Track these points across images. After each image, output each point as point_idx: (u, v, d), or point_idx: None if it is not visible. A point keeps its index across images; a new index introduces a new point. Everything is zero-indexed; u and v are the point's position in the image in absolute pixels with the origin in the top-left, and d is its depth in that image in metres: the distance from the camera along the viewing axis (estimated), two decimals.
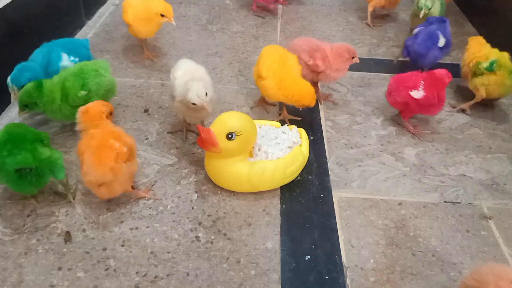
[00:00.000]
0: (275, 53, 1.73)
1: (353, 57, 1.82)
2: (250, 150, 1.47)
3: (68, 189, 1.42)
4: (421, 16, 2.21)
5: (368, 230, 1.38)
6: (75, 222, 1.35)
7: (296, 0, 2.89)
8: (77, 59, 1.75)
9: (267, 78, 1.67)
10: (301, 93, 1.66)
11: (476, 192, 1.54)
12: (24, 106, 1.52)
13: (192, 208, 1.42)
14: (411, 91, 1.69)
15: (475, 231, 1.40)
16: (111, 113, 1.46)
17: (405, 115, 1.78)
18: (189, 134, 1.71)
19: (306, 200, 1.46)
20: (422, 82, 1.70)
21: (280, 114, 1.83)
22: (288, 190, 1.50)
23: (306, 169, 1.55)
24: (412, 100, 1.69)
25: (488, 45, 1.97)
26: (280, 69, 1.68)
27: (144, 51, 2.16)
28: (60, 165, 1.34)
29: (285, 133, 1.54)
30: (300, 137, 1.54)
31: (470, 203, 1.49)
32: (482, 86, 1.84)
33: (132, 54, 2.20)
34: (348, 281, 1.23)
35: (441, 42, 2.03)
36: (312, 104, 1.68)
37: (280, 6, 2.80)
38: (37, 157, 1.28)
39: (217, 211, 1.41)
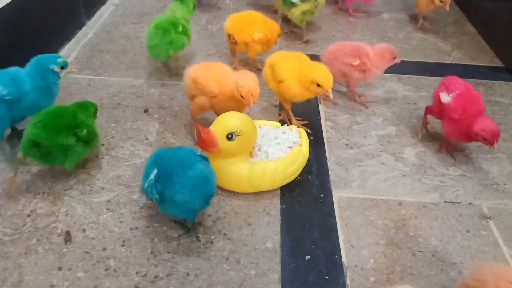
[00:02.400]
0: (286, 56, 1.70)
1: (394, 58, 1.85)
2: (250, 150, 1.47)
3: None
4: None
5: (368, 230, 1.38)
6: (75, 222, 1.35)
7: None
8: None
9: (287, 79, 1.63)
10: (320, 74, 1.58)
11: (476, 192, 1.54)
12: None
13: None
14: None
15: (475, 231, 1.40)
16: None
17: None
18: (189, 134, 1.71)
19: (306, 200, 1.46)
20: None
21: (280, 114, 1.83)
22: (288, 190, 1.50)
23: (306, 169, 1.55)
24: None
25: None
26: (296, 66, 1.64)
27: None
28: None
29: (285, 133, 1.54)
30: (300, 137, 1.54)
31: (470, 203, 1.49)
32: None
33: (132, 54, 2.20)
34: (348, 281, 1.23)
35: None
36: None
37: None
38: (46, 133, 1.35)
39: (217, 211, 1.41)
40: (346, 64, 1.84)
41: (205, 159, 1.27)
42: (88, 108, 1.50)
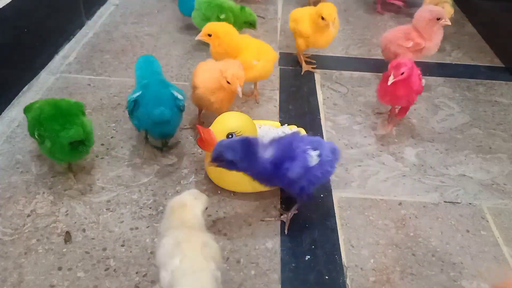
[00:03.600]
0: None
1: (438, 18, 1.89)
2: None
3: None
4: None
5: (368, 230, 1.38)
6: (75, 222, 1.35)
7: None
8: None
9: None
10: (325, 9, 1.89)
11: (476, 192, 1.54)
12: None
13: None
14: None
15: (475, 231, 1.40)
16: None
17: None
18: (189, 134, 1.71)
19: (306, 200, 1.46)
20: None
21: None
22: None
23: None
24: None
25: None
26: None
27: None
28: (92, 134, 1.44)
29: (285, 133, 1.54)
30: None
31: (470, 203, 1.49)
32: None
33: (132, 54, 2.20)
34: (348, 281, 1.23)
35: None
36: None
37: (280, 7, 2.80)
38: (85, 130, 1.39)
39: (217, 211, 1.41)
40: (399, 46, 1.95)
41: (178, 107, 1.51)
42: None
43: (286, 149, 1.23)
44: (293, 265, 1.27)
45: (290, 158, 1.22)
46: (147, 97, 1.48)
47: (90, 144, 1.42)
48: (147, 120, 1.47)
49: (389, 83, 1.58)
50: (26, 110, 1.50)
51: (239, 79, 1.52)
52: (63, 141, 1.34)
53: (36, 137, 1.40)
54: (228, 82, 1.52)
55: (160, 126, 1.49)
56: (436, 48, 1.99)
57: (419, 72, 1.68)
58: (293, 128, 1.57)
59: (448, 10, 2.25)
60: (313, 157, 1.25)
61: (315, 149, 1.26)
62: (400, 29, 2.01)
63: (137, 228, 1.34)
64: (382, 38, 2.06)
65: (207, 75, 1.59)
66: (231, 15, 2.14)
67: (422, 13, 1.94)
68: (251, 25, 2.21)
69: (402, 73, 1.57)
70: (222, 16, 2.11)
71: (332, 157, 1.29)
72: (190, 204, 1.12)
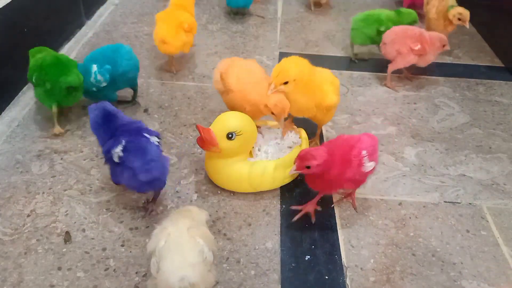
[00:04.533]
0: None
1: (443, 45, 1.99)
2: (250, 150, 1.47)
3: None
4: None
5: (368, 230, 1.38)
6: (75, 222, 1.35)
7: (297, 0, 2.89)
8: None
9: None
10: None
11: (476, 192, 1.54)
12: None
13: None
14: None
15: (475, 231, 1.40)
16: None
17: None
18: (189, 134, 1.71)
19: (306, 200, 1.46)
20: None
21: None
22: (288, 190, 1.50)
23: None
24: None
25: None
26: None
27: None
28: (83, 86, 1.67)
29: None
30: (300, 137, 1.54)
31: (470, 203, 1.49)
32: None
33: None
34: (348, 281, 1.23)
35: None
36: None
37: (280, 7, 2.80)
38: (80, 79, 1.62)
39: (217, 211, 1.41)
40: (405, 46, 1.97)
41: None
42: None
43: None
44: (293, 265, 1.26)
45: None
46: None
47: (81, 94, 1.68)
48: None
49: (290, 172, 1.30)
50: (31, 54, 1.69)
51: (284, 111, 1.38)
52: (62, 85, 1.58)
53: (33, 81, 1.62)
54: (272, 113, 1.39)
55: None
56: (430, 62, 2.02)
57: (362, 155, 1.29)
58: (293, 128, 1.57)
59: (464, 13, 2.17)
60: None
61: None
62: (412, 29, 2.01)
63: (136, 228, 1.34)
64: (389, 32, 2.04)
65: (246, 82, 1.45)
66: (391, 24, 2.10)
67: (434, 39, 1.97)
68: (415, 22, 2.19)
69: (308, 167, 1.24)
70: (382, 29, 2.09)
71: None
72: (195, 211, 1.14)
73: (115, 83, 1.72)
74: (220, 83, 1.53)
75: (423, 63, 2.02)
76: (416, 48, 1.95)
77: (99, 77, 1.66)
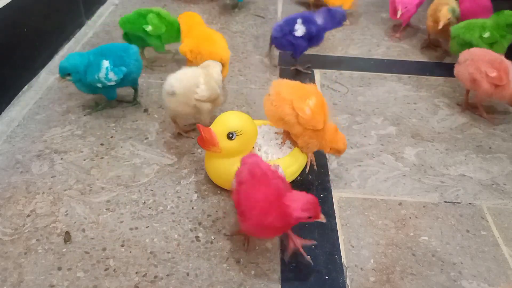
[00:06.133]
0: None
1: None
2: (251, 150, 1.47)
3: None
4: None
5: (368, 230, 1.38)
6: (75, 222, 1.35)
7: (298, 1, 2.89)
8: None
9: None
10: None
11: (476, 192, 1.54)
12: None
13: (192, 208, 1.42)
14: None
15: (475, 231, 1.40)
16: None
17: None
18: (189, 134, 1.71)
19: None
20: None
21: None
22: None
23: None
24: None
25: None
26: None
27: None
28: None
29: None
30: None
31: (470, 203, 1.49)
32: None
33: None
34: (348, 281, 1.23)
35: (299, 31, 2.01)
36: None
37: (280, 7, 2.80)
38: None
39: (217, 211, 1.41)
40: (480, 71, 1.76)
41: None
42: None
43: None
44: (293, 265, 1.26)
45: None
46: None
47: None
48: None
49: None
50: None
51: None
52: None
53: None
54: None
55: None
56: (505, 99, 1.78)
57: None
58: None
59: (444, 14, 2.13)
60: None
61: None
62: (490, 53, 1.81)
63: (136, 228, 1.34)
64: (466, 52, 1.84)
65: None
66: (493, 29, 1.97)
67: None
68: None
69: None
70: (486, 35, 1.95)
71: None
72: (212, 64, 1.60)
73: (119, 82, 1.71)
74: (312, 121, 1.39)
75: (500, 96, 1.77)
76: (493, 75, 1.73)
77: (111, 75, 1.65)
